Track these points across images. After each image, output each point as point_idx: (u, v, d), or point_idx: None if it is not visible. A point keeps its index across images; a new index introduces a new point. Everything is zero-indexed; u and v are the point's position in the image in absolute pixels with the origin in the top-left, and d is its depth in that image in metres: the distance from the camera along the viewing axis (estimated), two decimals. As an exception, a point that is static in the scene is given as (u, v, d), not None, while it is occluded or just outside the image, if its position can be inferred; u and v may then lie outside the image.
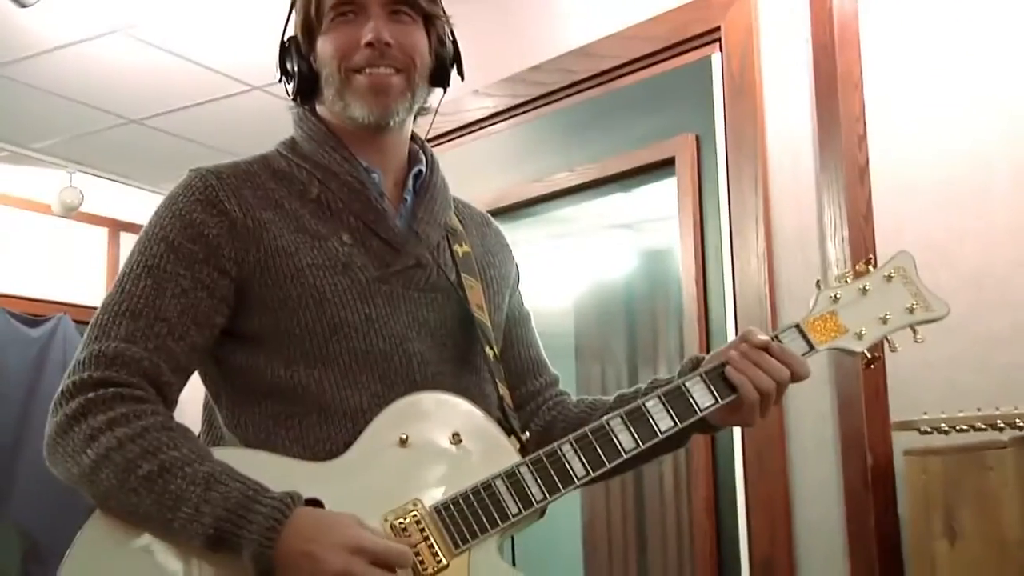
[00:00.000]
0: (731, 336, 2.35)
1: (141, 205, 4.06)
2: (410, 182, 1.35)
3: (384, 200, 1.30)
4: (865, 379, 2.11)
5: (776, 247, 2.33)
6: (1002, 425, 1.69)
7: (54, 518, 3.47)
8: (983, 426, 1.71)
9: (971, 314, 2.04)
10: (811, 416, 2.23)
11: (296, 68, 1.32)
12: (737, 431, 2.33)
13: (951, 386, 2.02)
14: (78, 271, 4.34)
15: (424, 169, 1.36)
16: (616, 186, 2.84)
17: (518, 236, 3.15)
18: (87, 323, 1.23)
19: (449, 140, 3.03)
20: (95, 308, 1.23)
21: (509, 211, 2.98)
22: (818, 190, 2.25)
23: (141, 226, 1.27)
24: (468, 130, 3.03)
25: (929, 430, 1.78)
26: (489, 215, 1.52)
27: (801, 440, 2.24)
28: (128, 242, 4.47)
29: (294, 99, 1.35)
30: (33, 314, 4.21)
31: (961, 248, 2.07)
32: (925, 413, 1.82)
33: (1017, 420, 1.68)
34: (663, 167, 2.65)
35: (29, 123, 3.67)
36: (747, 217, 2.37)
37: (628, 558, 3.04)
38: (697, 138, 2.55)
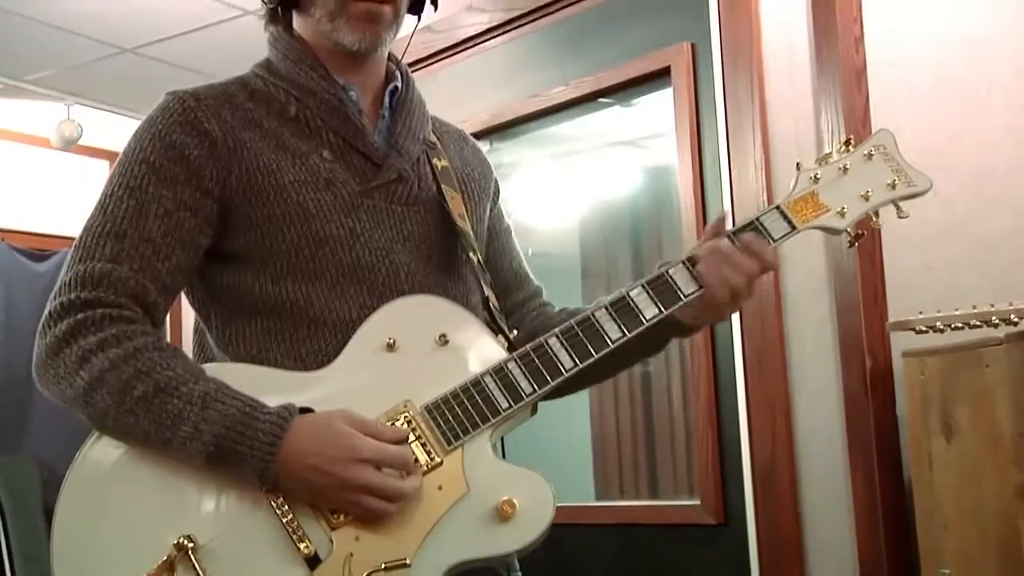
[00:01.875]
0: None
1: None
2: (387, 99, 1.35)
3: (362, 117, 1.30)
4: (864, 282, 2.11)
5: (773, 155, 2.31)
6: (997, 322, 1.69)
7: (70, 448, 3.51)
8: (978, 323, 1.71)
9: (970, 216, 2.03)
10: (810, 320, 2.24)
11: None
12: (737, 336, 2.34)
13: (950, 288, 2.02)
14: (79, 204, 4.33)
15: (400, 85, 1.36)
16: (613, 99, 2.82)
17: (519, 156, 3.15)
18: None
19: (444, 58, 3.00)
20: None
21: (507, 128, 2.96)
22: (815, 96, 2.22)
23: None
24: (463, 47, 3.00)
25: (925, 329, 1.78)
26: (466, 131, 1.52)
27: (801, 344, 2.25)
28: (130, 174, 4.43)
29: (271, 14, 1.34)
30: (37, 248, 4.20)
31: (960, 150, 2.06)
32: (921, 313, 1.82)
33: (1012, 316, 1.68)
34: (659, 78, 2.62)
35: (24, 55, 3.64)
36: (744, 125, 2.35)
37: (638, 463, 3.08)
38: (693, 47, 2.52)
